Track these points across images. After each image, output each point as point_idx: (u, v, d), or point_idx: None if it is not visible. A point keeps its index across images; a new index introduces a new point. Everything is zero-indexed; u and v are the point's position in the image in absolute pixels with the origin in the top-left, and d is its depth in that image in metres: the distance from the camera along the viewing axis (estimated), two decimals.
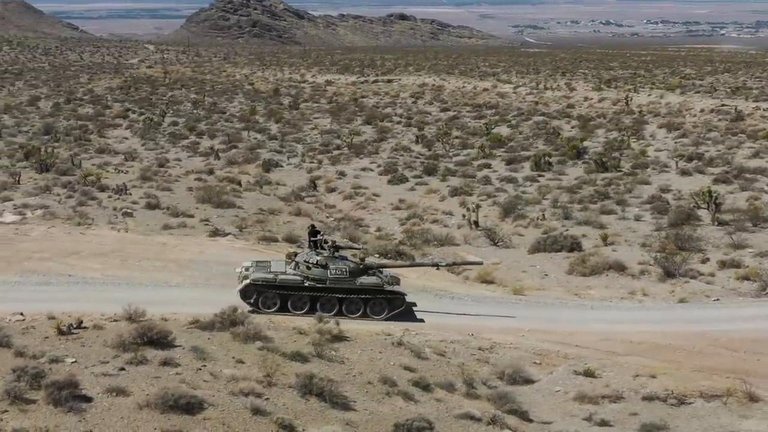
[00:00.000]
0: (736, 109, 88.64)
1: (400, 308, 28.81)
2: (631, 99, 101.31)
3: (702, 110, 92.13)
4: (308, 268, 28.61)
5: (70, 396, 18.60)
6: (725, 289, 32.58)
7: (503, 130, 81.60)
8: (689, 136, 74.43)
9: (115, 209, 42.70)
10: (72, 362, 21.05)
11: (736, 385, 22.88)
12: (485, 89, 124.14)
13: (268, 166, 60.40)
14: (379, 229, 43.76)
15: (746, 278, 33.14)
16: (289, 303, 28.38)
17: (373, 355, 24.24)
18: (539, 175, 56.57)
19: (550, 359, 25.65)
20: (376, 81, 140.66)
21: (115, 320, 24.58)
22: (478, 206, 45.31)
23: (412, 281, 32.26)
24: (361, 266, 29.19)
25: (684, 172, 56.19)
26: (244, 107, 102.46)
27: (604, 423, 21.79)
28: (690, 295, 31.98)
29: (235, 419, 18.91)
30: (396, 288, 29.12)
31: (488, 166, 61.14)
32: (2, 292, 27.84)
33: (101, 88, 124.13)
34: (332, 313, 27.98)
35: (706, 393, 22.93)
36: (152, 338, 22.53)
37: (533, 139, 76.24)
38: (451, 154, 67.68)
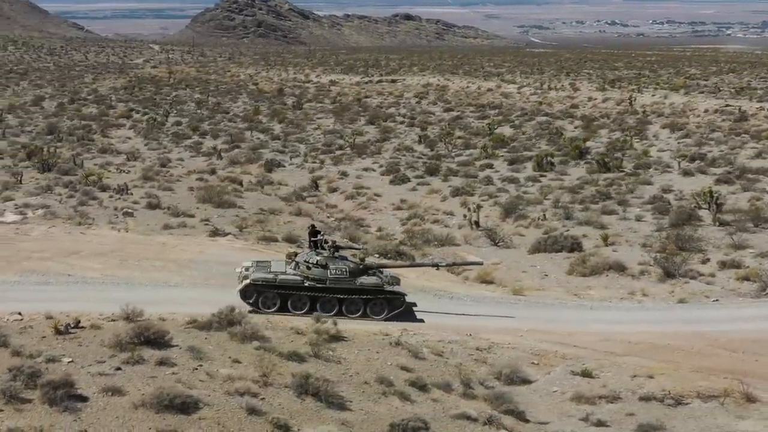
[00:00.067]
0: (740, 109, 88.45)
1: (400, 308, 28.80)
2: (635, 99, 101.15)
3: (706, 110, 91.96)
4: (308, 268, 28.63)
5: (65, 395, 18.61)
6: (725, 290, 32.52)
7: (506, 131, 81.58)
8: (692, 137, 74.31)
9: (116, 209, 42.74)
10: (69, 362, 21.06)
11: (733, 386, 22.83)
12: (489, 89, 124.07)
13: (271, 166, 60.46)
14: (379, 229, 43.78)
15: (746, 279, 33.07)
16: (289, 303, 28.40)
17: (370, 355, 24.23)
18: (541, 176, 56.54)
19: (548, 359, 25.62)
20: (380, 81, 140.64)
21: (113, 320, 24.59)
22: (479, 206, 45.31)
23: (411, 281, 32.25)
24: (361, 266, 29.20)
25: (686, 173, 56.10)
26: (247, 107, 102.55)
27: (600, 423, 21.76)
28: (690, 296, 31.93)
29: (230, 419, 18.91)
30: (396, 288, 29.12)
31: (490, 166, 61.12)
32: (1, 291, 27.89)
33: (105, 88, 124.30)
34: (332, 314, 27.99)
35: (704, 393, 22.88)
36: (149, 338, 22.53)
37: (536, 139, 76.20)
38: (453, 154, 67.67)
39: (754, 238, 38.95)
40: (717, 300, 31.49)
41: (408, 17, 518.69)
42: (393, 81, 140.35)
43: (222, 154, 65.04)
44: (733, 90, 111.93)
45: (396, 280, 29.55)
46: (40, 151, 56.34)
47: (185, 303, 27.09)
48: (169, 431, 18.09)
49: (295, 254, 30.07)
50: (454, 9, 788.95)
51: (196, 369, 21.37)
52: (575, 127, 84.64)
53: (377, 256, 35.56)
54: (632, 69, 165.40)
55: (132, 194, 46.26)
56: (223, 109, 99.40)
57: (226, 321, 24.60)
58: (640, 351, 26.26)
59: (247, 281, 28.30)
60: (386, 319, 28.35)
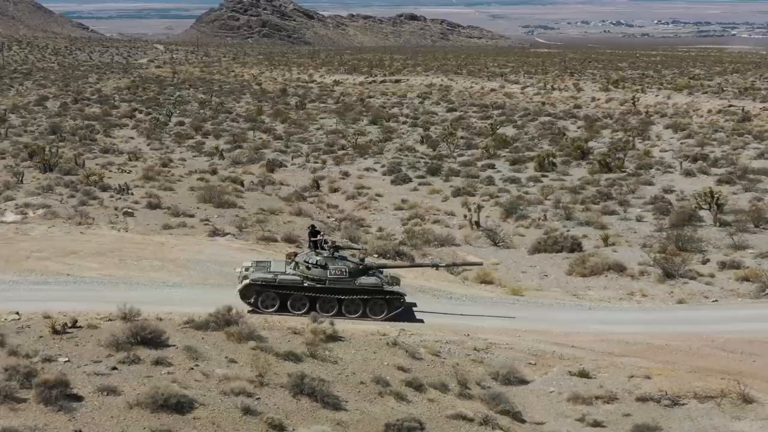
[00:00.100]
0: (743, 109, 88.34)
1: (399, 309, 28.71)
2: (638, 99, 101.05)
3: (709, 111, 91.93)
4: (308, 268, 28.58)
5: (60, 395, 18.61)
6: (724, 290, 32.48)
7: (509, 131, 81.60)
8: (695, 137, 74.25)
9: (116, 209, 42.76)
10: (65, 361, 21.05)
11: (730, 387, 22.79)
12: (493, 89, 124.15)
13: (272, 166, 60.49)
14: (380, 229, 43.77)
15: (746, 279, 33.05)
16: (288, 303, 28.32)
17: (366, 355, 24.19)
18: (543, 176, 56.55)
19: (545, 360, 25.57)
20: (384, 81, 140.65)
21: (110, 320, 24.56)
22: (479, 206, 45.29)
23: (410, 281, 32.20)
24: (360, 266, 29.16)
25: (688, 173, 56.07)
26: (250, 107, 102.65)
27: (596, 424, 21.75)
28: (689, 296, 31.89)
29: (225, 419, 18.91)
30: (395, 288, 29.08)
31: (492, 166, 61.14)
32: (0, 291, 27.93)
33: (109, 88, 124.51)
34: (332, 314, 27.97)
35: (700, 394, 22.84)
36: (146, 338, 22.50)
37: (539, 139, 76.22)
38: (455, 154, 67.65)
39: (754, 238, 38.93)
40: (716, 300, 31.46)
41: (413, 17, 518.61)
42: (396, 81, 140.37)
43: (224, 154, 65.08)
44: (736, 90, 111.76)
45: (396, 281, 29.49)
46: (42, 150, 56.41)
47: (183, 303, 27.07)
48: (164, 431, 18.10)
49: (295, 254, 30.04)
50: (458, 9, 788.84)
51: (192, 369, 21.35)
52: (578, 128, 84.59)
53: (376, 256, 35.55)
54: (636, 69, 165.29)
55: (133, 194, 46.27)
56: (226, 109, 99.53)
57: (223, 321, 24.54)
58: (637, 351, 26.21)
59: (247, 281, 28.25)
60: (386, 320, 28.32)
